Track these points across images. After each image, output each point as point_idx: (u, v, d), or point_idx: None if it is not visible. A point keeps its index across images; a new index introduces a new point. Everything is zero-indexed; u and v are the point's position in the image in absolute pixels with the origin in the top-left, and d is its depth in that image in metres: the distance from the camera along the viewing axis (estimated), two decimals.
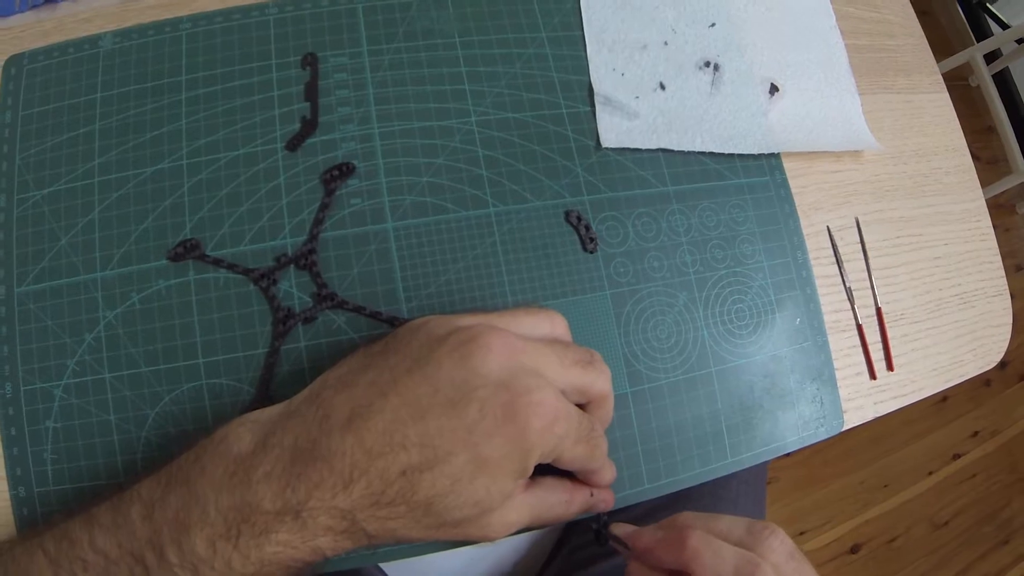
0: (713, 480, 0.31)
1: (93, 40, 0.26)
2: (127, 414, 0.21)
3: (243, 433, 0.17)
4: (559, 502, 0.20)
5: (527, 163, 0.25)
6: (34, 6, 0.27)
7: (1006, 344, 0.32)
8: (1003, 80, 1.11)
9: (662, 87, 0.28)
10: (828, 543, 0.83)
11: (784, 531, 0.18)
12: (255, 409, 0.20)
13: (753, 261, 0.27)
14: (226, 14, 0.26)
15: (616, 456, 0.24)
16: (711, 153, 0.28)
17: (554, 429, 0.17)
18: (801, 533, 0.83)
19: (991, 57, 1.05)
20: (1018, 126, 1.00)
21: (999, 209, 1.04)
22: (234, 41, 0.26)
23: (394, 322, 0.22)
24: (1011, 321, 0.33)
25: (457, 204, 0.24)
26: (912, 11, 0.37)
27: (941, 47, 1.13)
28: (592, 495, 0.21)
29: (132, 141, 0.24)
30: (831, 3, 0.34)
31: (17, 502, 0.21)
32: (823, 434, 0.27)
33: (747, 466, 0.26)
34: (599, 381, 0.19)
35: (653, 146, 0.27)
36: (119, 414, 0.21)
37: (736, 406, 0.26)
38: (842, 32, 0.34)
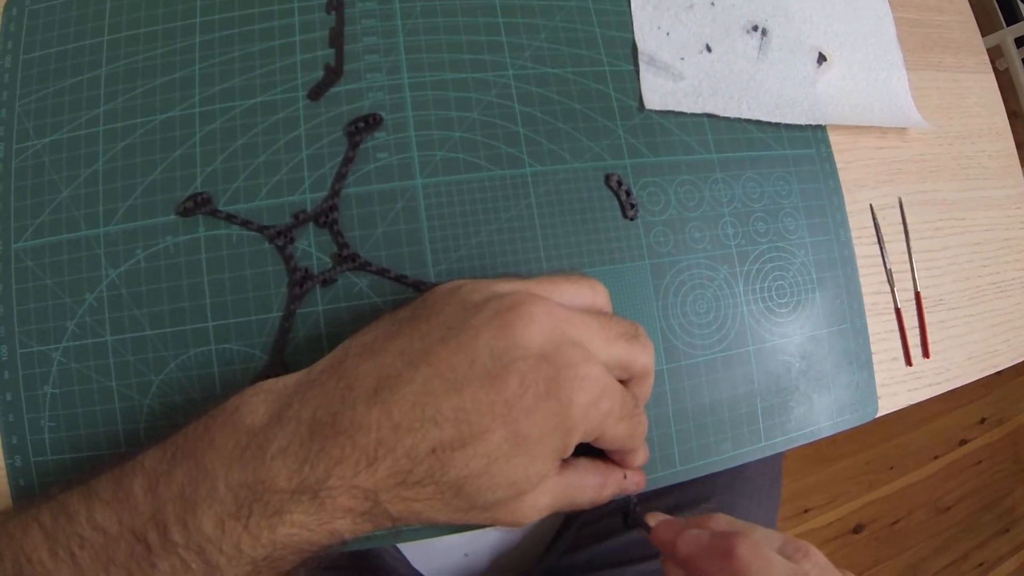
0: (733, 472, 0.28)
1: None
2: (130, 380, 0.18)
3: (257, 404, 0.14)
4: (592, 485, 0.16)
5: (566, 121, 0.21)
6: None
7: None
8: None
9: (708, 49, 0.24)
10: (831, 522, 0.79)
11: (817, 549, 0.15)
12: (269, 377, 0.16)
13: (796, 237, 0.23)
14: None
15: (648, 436, 0.20)
16: (756, 121, 0.23)
17: (599, 406, 0.14)
18: (805, 511, 0.79)
19: (1021, 41, 0.97)
20: None
21: None
22: None
23: (421, 287, 0.18)
24: None
25: (491, 162, 0.20)
26: None
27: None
28: (625, 477, 0.18)
29: (141, 87, 0.20)
30: None
31: (13, 472, 0.17)
32: (856, 420, 0.24)
33: (780, 451, 0.22)
34: (643, 356, 0.16)
35: (698, 110, 0.22)
36: (121, 380, 0.18)
37: (772, 387, 0.22)
38: (891, 4, 0.29)
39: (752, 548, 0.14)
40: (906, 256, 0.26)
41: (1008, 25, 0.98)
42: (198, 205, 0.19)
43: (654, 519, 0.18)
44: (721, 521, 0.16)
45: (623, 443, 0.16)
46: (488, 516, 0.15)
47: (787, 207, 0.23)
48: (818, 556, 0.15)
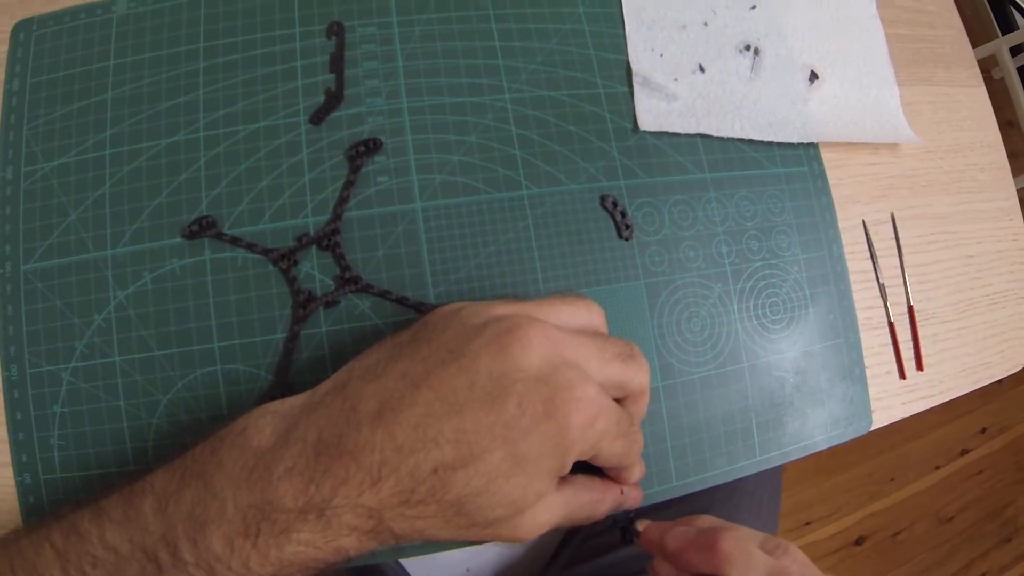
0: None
1: (106, 5, 0.22)
2: (138, 400, 0.18)
3: (263, 425, 0.14)
4: (590, 501, 0.17)
5: (562, 144, 0.21)
6: None
7: None
8: None
9: (701, 69, 0.24)
10: (833, 534, 0.79)
11: (796, 546, 0.16)
12: (274, 398, 0.17)
13: (789, 254, 0.24)
14: None
15: (645, 452, 0.20)
16: (749, 140, 0.24)
17: (596, 426, 0.15)
18: (807, 523, 0.78)
19: (1016, 50, 0.98)
20: None
21: (1022, 205, 0.97)
22: (256, 7, 0.22)
23: (421, 308, 0.19)
24: None
25: (489, 185, 0.20)
26: (952, 2, 0.33)
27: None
28: (622, 493, 0.18)
29: (146, 112, 0.21)
30: None
31: (23, 489, 0.18)
32: (851, 434, 0.24)
33: (775, 464, 0.23)
34: (639, 376, 0.16)
35: (692, 131, 0.23)
36: (129, 400, 0.18)
37: (767, 403, 0.23)
38: (882, 21, 0.29)
39: (734, 541, 0.15)
40: (899, 271, 0.26)
41: (1003, 34, 0.98)
42: (203, 228, 0.19)
43: (643, 525, 0.18)
44: (706, 520, 0.17)
45: (619, 460, 0.16)
46: (489, 533, 0.15)
47: (780, 224, 0.24)
48: (797, 553, 0.16)
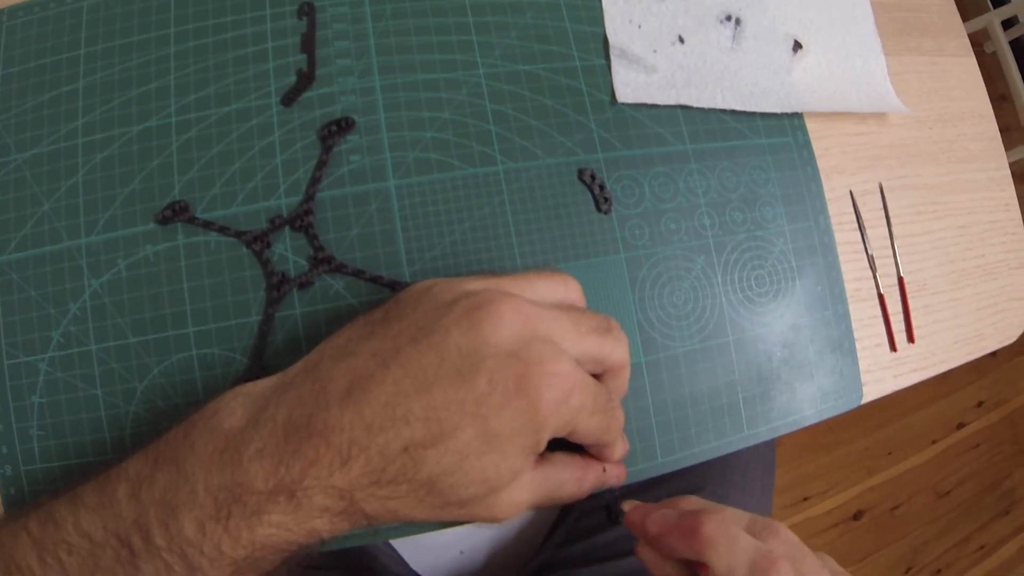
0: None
1: None
2: (115, 387, 0.18)
3: (235, 407, 0.14)
4: (571, 479, 0.17)
5: (538, 118, 0.21)
6: None
7: None
8: (1020, 47, 1.00)
9: (681, 40, 0.24)
10: (831, 509, 0.79)
11: (786, 526, 0.16)
12: (248, 380, 0.17)
13: (774, 225, 0.23)
14: None
15: (628, 429, 0.20)
16: (732, 111, 0.23)
17: (569, 401, 0.14)
18: (805, 499, 0.79)
19: (1008, 24, 0.96)
20: None
21: (1013, 179, 0.97)
22: None
23: (396, 286, 0.19)
24: None
25: (463, 161, 0.20)
26: None
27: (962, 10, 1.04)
28: (604, 471, 0.18)
29: (118, 99, 0.20)
30: None
31: (4, 481, 0.18)
32: (841, 407, 0.24)
33: (763, 440, 0.22)
34: (617, 350, 0.16)
35: (671, 102, 0.22)
36: (106, 388, 0.18)
37: (753, 377, 0.22)
38: None
39: (718, 525, 0.15)
40: (888, 241, 0.26)
41: (995, 7, 0.97)
42: (176, 213, 0.19)
43: (629, 505, 0.18)
44: (691, 502, 0.17)
45: (598, 437, 0.16)
46: (464, 513, 0.15)
47: (764, 196, 0.23)
48: (787, 534, 0.15)
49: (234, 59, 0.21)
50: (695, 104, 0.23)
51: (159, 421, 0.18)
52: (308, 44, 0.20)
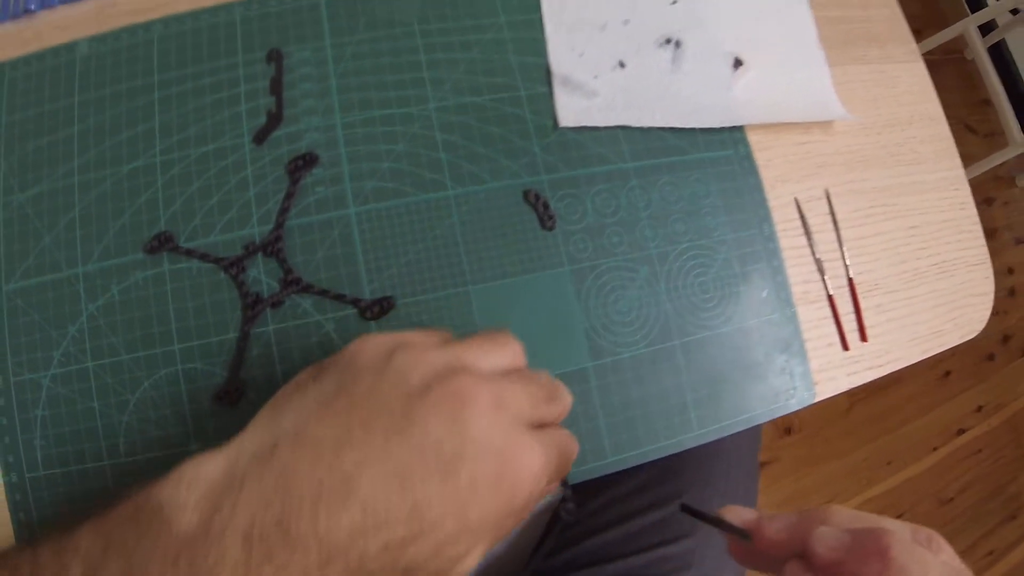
0: (704, 451, 0.31)
1: (70, 47, 0.27)
2: (109, 400, 0.23)
3: (184, 501, 0.14)
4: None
5: (485, 145, 0.26)
6: (14, 17, 0.28)
7: (988, 313, 0.32)
8: (999, 52, 1.09)
9: (621, 65, 0.29)
10: None
11: (942, 537, 0.16)
12: (227, 392, 0.21)
13: (716, 234, 0.28)
14: (195, 15, 0.27)
15: (578, 429, 0.24)
16: (672, 128, 0.28)
17: (540, 484, 0.16)
18: None
19: (986, 29, 1.03)
20: (1015, 98, 0.97)
21: (999, 182, 1.03)
22: (203, 41, 0.27)
23: (357, 303, 0.23)
24: (992, 290, 0.33)
25: (416, 188, 0.25)
26: None
27: (936, 20, 1.11)
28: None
29: (108, 141, 0.25)
30: None
31: (10, 487, 0.22)
32: (794, 405, 0.28)
33: (713, 438, 0.26)
34: (560, 410, 0.18)
35: (612, 123, 0.27)
36: (102, 400, 0.23)
37: (702, 379, 0.26)
38: (812, 4, 0.33)
39: (907, 548, 0.14)
40: (837, 244, 0.30)
41: (972, 12, 1.03)
42: (162, 243, 0.24)
43: (739, 516, 0.18)
44: (844, 515, 0.16)
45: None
46: None
47: (706, 207, 0.28)
48: (947, 547, 0.16)
49: (211, 103, 0.25)
50: (635, 124, 0.27)
51: (149, 429, 0.22)
52: (276, 87, 0.25)
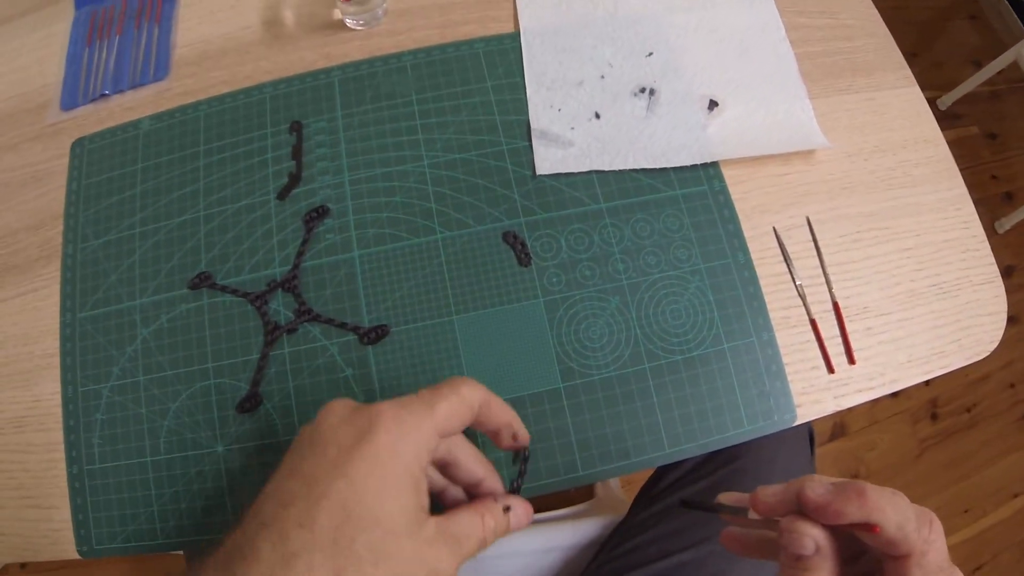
0: (758, 443, 0.39)
1: (135, 124, 0.43)
2: (154, 408, 0.35)
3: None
4: (472, 525, 0.26)
5: (470, 194, 0.38)
6: (92, 99, 0.45)
7: (999, 333, 0.39)
8: None
9: (597, 116, 0.40)
10: None
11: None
12: (247, 400, 0.33)
13: (688, 265, 0.38)
14: (233, 95, 0.42)
15: (549, 445, 0.34)
16: (645, 170, 0.39)
17: (403, 427, 0.25)
18: None
19: None
20: None
21: None
22: (239, 116, 0.41)
23: (357, 330, 0.35)
24: (1005, 309, 0.40)
25: (410, 233, 0.37)
26: (875, 11, 0.47)
27: (994, 51, 1.23)
28: (507, 510, 0.29)
29: (164, 200, 0.40)
30: (780, 16, 0.45)
31: (71, 478, 0.35)
32: (774, 426, 0.36)
33: (689, 456, 0.35)
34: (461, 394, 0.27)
35: (586, 169, 0.39)
36: (149, 408, 0.35)
37: (672, 400, 0.35)
38: (793, 42, 0.45)
39: (878, 489, 0.22)
40: (819, 270, 0.39)
41: None
42: (203, 281, 0.37)
43: (730, 497, 0.26)
44: (824, 479, 0.23)
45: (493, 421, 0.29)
46: None
47: (678, 240, 0.38)
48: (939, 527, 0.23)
49: (244, 167, 0.40)
50: (607, 168, 0.39)
51: (184, 432, 0.34)
52: (296, 153, 0.39)
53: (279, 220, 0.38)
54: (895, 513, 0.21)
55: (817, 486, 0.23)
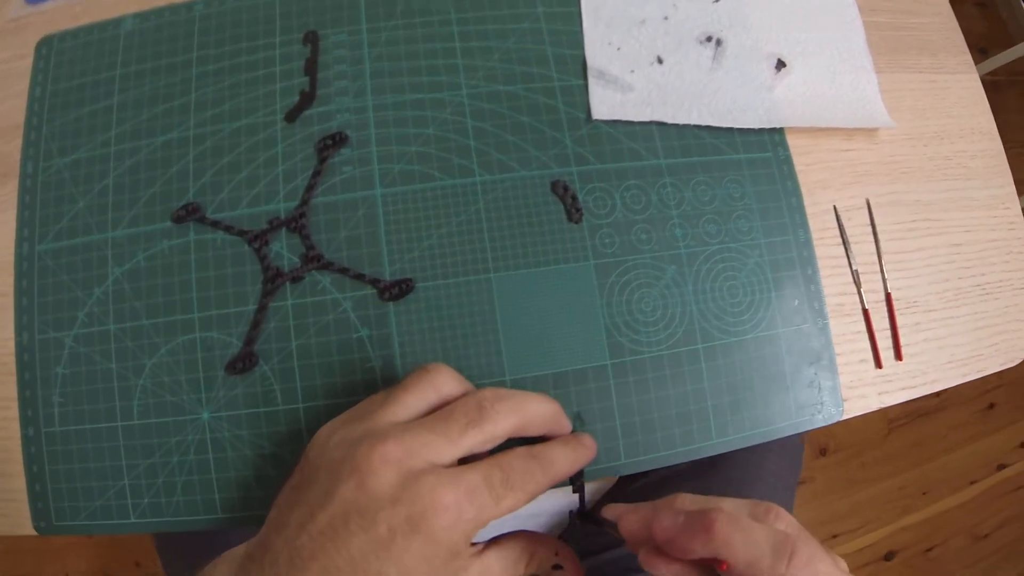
0: (746, 475, 0.30)
1: (116, 22, 0.29)
2: (127, 363, 0.23)
3: (222, 572, 0.20)
4: (517, 557, 0.20)
5: (515, 134, 0.26)
6: None
7: None
8: None
9: (659, 61, 0.29)
10: (862, 548, 0.82)
11: (782, 508, 0.18)
12: (239, 360, 0.22)
13: (749, 238, 0.27)
14: None
15: (592, 428, 0.24)
16: (708, 127, 0.28)
17: (463, 516, 0.18)
18: (834, 536, 0.82)
19: None
20: None
21: None
22: (242, 20, 0.28)
23: (376, 283, 0.24)
24: None
25: (444, 172, 0.25)
26: None
27: (1000, 40, 1.08)
28: (557, 554, 0.21)
29: (146, 114, 0.27)
30: None
31: (26, 441, 0.23)
32: (820, 421, 0.27)
33: (735, 448, 0.26)
34: (500, 424, 0.19)
35: (646, 119, 0.27)
36: (120, 363, 0.23)
37: (724, 385, 0.26)
38: (860, 9, 0.33)
39: (730, 520, 0.16)
40: (875, 257, 0.29)
41: None
42: (189, 213, 0.25)
43: (613, 511, 0.19)
44: (686, 500, 0.19)
45: (528, 498, 0.19)
46: None
47: (740, 209, 0.27)
48: (789, 517, 0.17)
49: (246, 80, 0.27)
50: (670, 121, 0.27)
51: (162, 394, 0.23)
52: (311, 67, 0.26)
53: (286, 146, 0.25)
54: (745, 549, 0.16)
55: (666, 517, 0.17)
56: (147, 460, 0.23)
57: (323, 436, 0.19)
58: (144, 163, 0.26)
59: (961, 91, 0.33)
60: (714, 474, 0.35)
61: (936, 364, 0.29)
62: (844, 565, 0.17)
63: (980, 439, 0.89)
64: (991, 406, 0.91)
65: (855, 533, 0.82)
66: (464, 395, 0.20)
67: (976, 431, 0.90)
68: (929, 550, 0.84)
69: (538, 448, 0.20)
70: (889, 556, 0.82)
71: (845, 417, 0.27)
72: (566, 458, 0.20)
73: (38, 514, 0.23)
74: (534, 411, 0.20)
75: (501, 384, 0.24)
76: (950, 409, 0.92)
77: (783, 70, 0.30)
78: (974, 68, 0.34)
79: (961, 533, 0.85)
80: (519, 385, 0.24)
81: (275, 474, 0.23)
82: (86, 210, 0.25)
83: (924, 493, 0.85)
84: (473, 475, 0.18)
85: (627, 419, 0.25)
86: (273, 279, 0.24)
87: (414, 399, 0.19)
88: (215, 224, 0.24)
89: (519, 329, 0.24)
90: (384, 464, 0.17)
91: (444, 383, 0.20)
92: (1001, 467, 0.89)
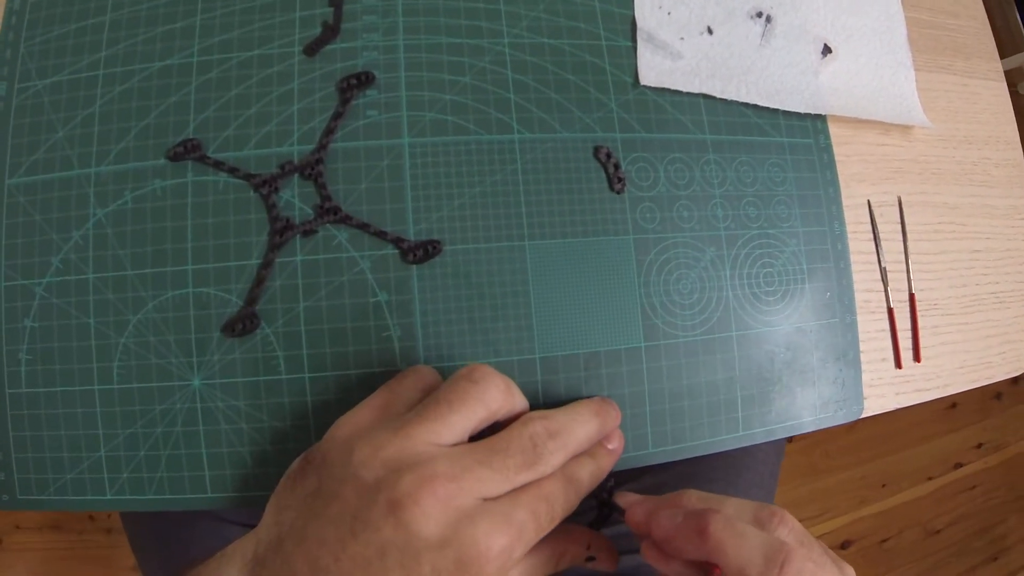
0: (733, 462, 0.27)
1: None
2: (107, 318, 0.18)
3: (228, 572, 0.15)
4: (544, 563, 0.16)
5: (559, 92, 0.21)
6: None
7: None
8: None
9: (709, 31, 0.23)
10: (820, 535, 0.78)
11: (791, 515, 0.15)
12: (239, 321, 0.16)
13: (788, 225, 0.23)
14: None
15: (624, 414, 0.20)
16: (754, 106, 0.23)
17: (513, 556, 0.14)
18: None
19: None
20: None
21: None
22: None
23: (400, 243, 0.18)
24: None
25: (480, 126, 0.20)
26: None
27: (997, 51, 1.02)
28: (590, 548, 0.17)
29: (143, 35, 0.20)
30: None
31: None
32: (841, 418, 0.23)
33: (758, 442, 0.22)
34: (551, 465, 0.15)
35: (695, 90, 0.22)
36: (99, 318, 0.18)
37: (754, 376, 0.22)
38: (903, 3, 0.28)
39: (725, 524, 0.14)
40: (902, 256, 0.25)
41: None
42: (188, 151, 0.19)
43: (624, 500, 0.17)
44: (692, 497, 0.16)
45: (571, 503, 0.16)
46: None
47: (780, 194, 0.23)
48: (792, 521, 0.15)
49: (261, 5, 0.20)
50: (718, 95, 0.22)
51: (148, 355, 0.17)
52: None
53: (304, 82, 0.19)
54: (737, 554, 0.14)
55: (665, 515, 0.15)
56: (127, 430, 0.17)
57: (345, 437, 0.15)
58: (137, 91, 0.20)
59: (991, 98, 0.29)
60: (707, 459, 0.32)
61: (949, 368, 0.25)
62: (851, 573, 0.15)
63: (940, 437, 0.85)
64: (953, 406, 0.88)
65: (814, 520, 0.78)
66: (514, 416, 0.16)
67: (937, 429, 0.86)
68: (884, 541, 0.80)
69: (572, 469, 0.16)
70: (845, 545, 0.78)
71: (864, 415, 0.24)
72: (594, 478, 0.17)
73: (1, 486, 0.18)
74: (582, 439, 0.16)
75: (529, 363, 0.19)
76: (913, 406, 0.88)
77: (829, 56, 0.25)
78: (1003, 77, 0.30)
79: (916, 527, 0.81)
80: (548, 365, 0.19)
81: (273, 451, 0.18)
82: (66, 141, 0.19)
83: (883, 485, 0.81)
84: (522, 513, 0.14)
85: (657, 406, 0.20)
86: (281, 231, 0.18)
87: (461, 419, 0.15)
88: (217, 164, 0.19)
89: (552, 303, 0.19)
90: (432, 501, 0.14)
91: (494, 398, 0.16)
92: (958, 466, 0.86)
